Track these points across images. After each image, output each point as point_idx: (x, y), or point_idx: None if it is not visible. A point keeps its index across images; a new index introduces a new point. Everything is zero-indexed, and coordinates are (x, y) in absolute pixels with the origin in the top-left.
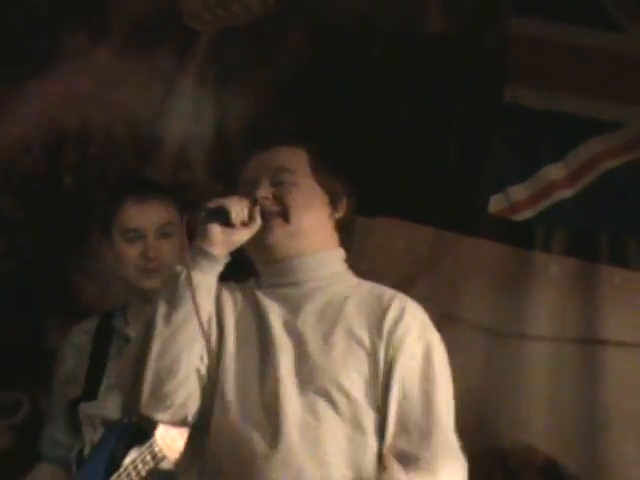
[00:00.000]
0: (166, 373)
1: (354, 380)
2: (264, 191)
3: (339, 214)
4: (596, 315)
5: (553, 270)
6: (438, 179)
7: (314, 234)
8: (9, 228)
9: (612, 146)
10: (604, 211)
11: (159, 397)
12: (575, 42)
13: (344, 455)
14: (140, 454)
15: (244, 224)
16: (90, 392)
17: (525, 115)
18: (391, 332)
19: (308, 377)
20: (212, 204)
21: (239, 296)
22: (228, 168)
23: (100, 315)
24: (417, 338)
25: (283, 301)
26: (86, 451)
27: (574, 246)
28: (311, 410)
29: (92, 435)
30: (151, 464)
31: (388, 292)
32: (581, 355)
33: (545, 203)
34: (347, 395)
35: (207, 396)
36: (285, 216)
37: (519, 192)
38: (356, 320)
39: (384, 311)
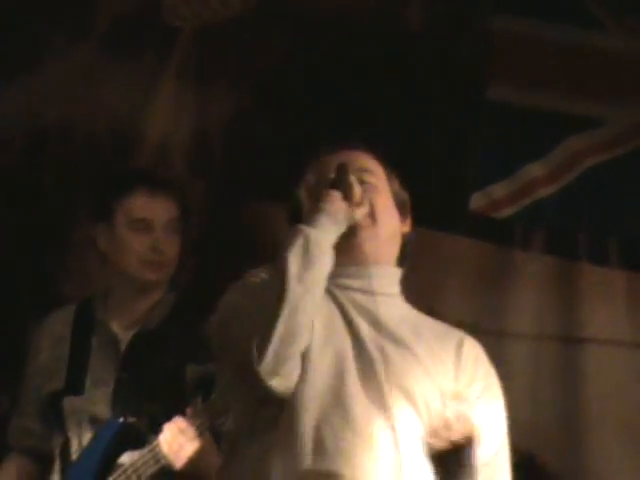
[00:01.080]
0: (292, 336)
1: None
2: (357, 188)
3: (405, 228)
4: (575, 313)
5: (533, 268)
6: (419, 176)
7: (390, 244)
8: None
9: (593, 144)
10: (584, 209)
11: (280, 360)
12: (556, 40)
13: None
14: (142, 456)
15: (357, 204)
16: (73, 385)
17: (506, 113)
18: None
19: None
20: (342, 174)
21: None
22: (208, 165)
23: (77, 303)
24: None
25: (357, 306)
26: (73, 447)
27: (554, 244)
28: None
29: (77, 430)
30: (153, 468)
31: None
32: (560, 352)
33: (525, 201)
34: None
35: None
36: (373, 217)
37: (500, 190)
38: (433, 343)
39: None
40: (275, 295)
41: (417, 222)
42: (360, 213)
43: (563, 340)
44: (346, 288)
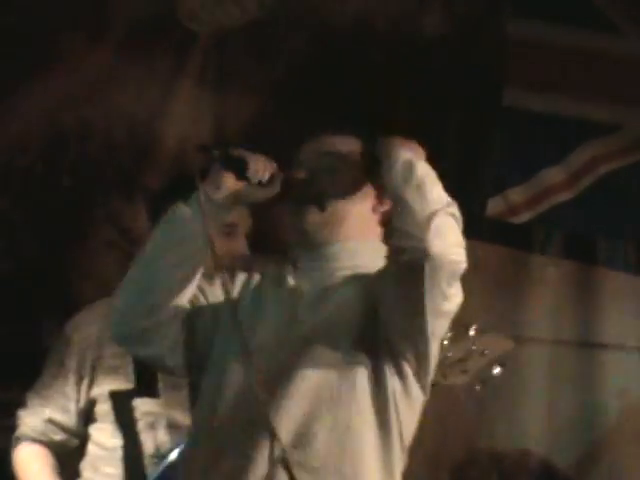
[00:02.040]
0: (141, 299)
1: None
2: (299, 172)
3: (385, 207)
4: (593, 318)
5: (551, 273)
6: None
7: (351, 223)
8: (7, 228)
9: (611, 149)
10: (602, 214)
11: (130, 324)
12: (573, 45)
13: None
14: None
15: (261, 184)
16: (142, 387)
17: (524, 117)
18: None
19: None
20: (234, 151)
21: (275, 273)
22: None
23: None
24: None
25: (312, 284)
26: (148, 449)
27: (572, 249)
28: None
29: (152, 433)
30: None
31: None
32: (578, 358)
33: (543, 206)
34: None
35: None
36: (319, 203)
37: (517, 194)
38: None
39: None
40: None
41: None
42: (258, 195)
43: (581, 345)
44: (307, 268)
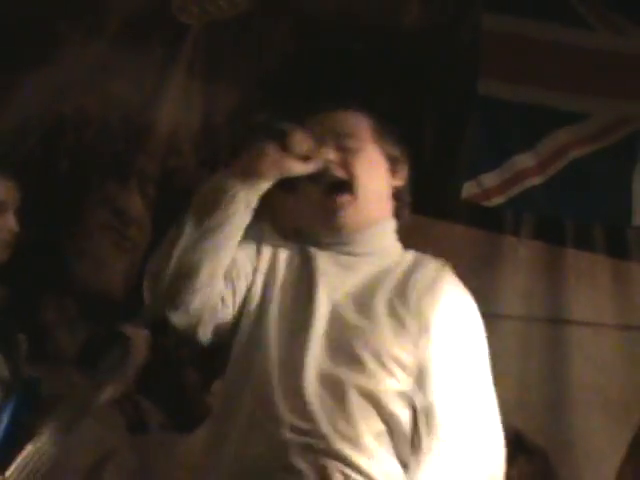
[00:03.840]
0: (185, 272)
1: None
2: (332, 154)
3: (397, 182)
4: (562, 296)
5: (522, 253)
6: (414, 167)
7: (376, 204)
8: None
9: (579, 136)
10: (571, 198)
11: (174, 296)
12: (544, 38)
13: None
14: None
15: (301, 158)
16: None
17: (497, 107)
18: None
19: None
20: (277, 123)
21: (294, 250)
22: (215, 154)
23: None
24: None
25: (338, 266)
26: None
27: (542, 231)
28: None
29: None
30: None
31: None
32: (548, 333)
33: (515, 190)
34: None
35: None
36: (351, 187)
37: (491, 179)
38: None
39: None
40: (176, 235)
41: (412, 210)
42: (298, 169)
43: (550, 321)
44: (330, 248)
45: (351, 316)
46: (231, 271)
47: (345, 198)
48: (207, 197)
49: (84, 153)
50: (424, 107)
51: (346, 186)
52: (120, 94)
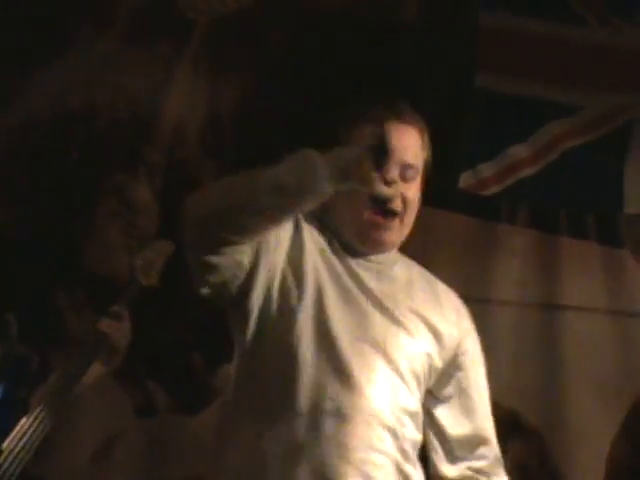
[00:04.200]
0: (237, 227)
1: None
2: (397, 190)
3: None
4: (555, 282)
5: (517, 241)
6: None
7: (412, 223)
8: (21, 198)
9: (572, 128)
10: (564, 187)
11: (219, 239)
12: (540, 34)
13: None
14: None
15: (385, 182)
16: None
17: (493, 99)
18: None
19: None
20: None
21: (327, 246)
22: (220, 145)
23: None
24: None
25: (369, 272)
26: None
27: (536, 219)
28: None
29: None
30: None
31: (438, 283)
32: (541, 318)
33: (510, 180)
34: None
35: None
36: (402, 218)
37: (487, 169)
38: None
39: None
40: (247, 184)
41: None
42: (384, 192)
43: (544, 307)
44: (360, 257)
45: (380, 319)
46: (261, 242)
47: (395, 223)
48: (299, 166)
49: (94, 144)
50: (423, 100)
51: (397, 214)
52: (128, 87)
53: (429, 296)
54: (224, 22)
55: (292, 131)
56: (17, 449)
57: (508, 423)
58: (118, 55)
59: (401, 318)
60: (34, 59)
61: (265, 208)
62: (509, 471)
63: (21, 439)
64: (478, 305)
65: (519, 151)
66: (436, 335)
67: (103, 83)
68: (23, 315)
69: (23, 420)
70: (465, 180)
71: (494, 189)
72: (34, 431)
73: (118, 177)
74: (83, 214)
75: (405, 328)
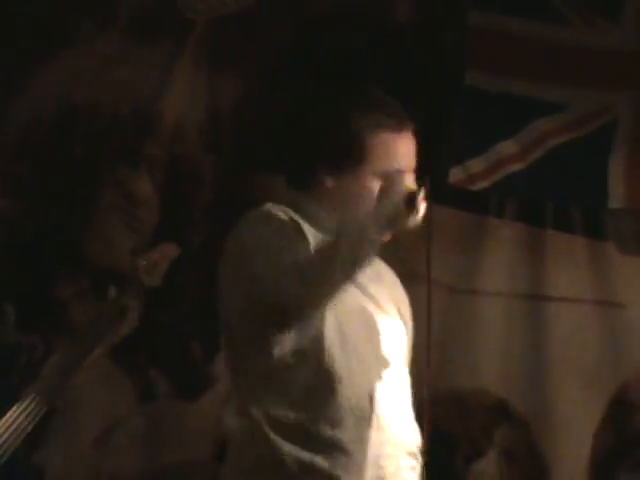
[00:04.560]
0: (315, 303)
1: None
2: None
3: None
4: (542, 274)
5: (505, 234)
6: None
7: None
8: (24, 192)
9: (558, 125)
10: (550, 182)
11: (301, 314)
12: (527, 33)
13: None
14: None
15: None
16: None
17: (482, 97)
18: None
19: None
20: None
21: None
22: (218, 142)
23: None
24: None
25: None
26: None
27: (524, 213)
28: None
29: None
30: None
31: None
32: (528, 309)
33: (499, 175)
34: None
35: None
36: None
37: (476, 165)
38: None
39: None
40: (324, 266)
41: None
42: (412, 223)
43: (531, 298)
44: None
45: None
46: None
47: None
48: (360, 247)
49: (96, 140)
50: (415, 98)
51: None
52: (130, 85)
53: (389, 279)
54: (224, 22)
55: (288, 126)
56: (5, 435)
57: (496, 410)
58: (120, 52)
59: (394, 315)
60: (36, 56)
61: (342, 288)
62: (497, 456)
63: (10, 426)
64: (467, 296)
65: (507, 147)
66: (404, 321)
67: (105, 81)
68: (28, 305)
69: (14, 407)
70: (455, 175)
71: (483, 184)
72: (25, 418)
73: (119, 171)
74: (85, 207)
75: (397, 324)
